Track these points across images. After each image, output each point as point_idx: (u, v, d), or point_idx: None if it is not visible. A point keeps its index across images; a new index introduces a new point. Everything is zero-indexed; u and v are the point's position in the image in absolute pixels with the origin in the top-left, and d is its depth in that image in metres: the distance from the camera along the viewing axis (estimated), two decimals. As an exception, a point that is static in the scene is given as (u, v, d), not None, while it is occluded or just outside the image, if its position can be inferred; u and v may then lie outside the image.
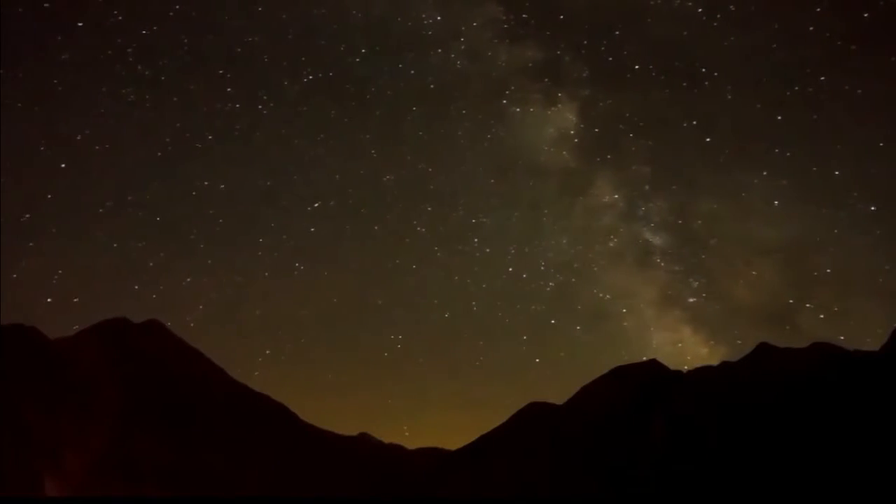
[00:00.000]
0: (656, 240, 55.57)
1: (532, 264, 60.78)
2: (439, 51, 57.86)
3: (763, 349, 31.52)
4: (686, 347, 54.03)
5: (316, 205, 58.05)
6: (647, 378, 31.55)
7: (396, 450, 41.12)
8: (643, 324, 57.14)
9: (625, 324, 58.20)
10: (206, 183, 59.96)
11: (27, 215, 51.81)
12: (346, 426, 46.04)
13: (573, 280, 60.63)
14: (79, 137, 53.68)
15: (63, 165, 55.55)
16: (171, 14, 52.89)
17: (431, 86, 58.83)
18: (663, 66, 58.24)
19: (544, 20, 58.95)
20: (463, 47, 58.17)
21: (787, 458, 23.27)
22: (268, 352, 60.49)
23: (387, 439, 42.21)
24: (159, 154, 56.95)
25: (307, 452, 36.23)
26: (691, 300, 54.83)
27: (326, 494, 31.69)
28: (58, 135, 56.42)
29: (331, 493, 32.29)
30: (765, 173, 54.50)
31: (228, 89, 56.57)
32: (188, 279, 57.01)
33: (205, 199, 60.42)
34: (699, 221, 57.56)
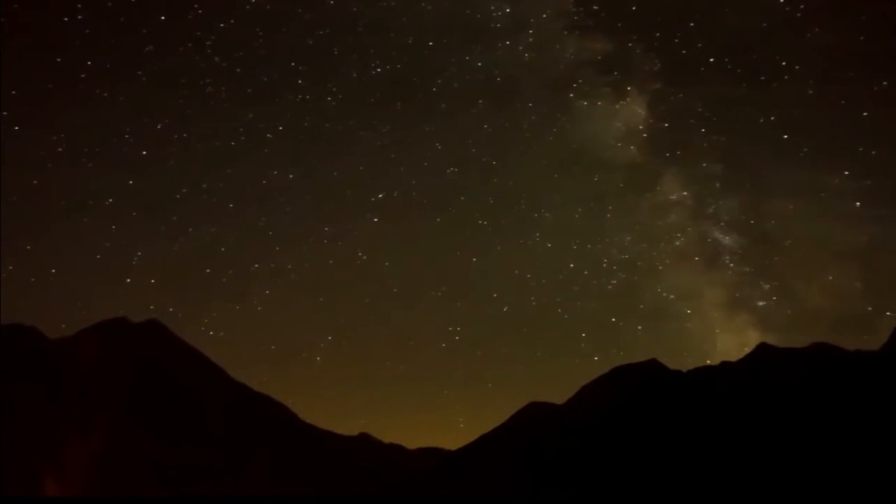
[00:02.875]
0: (726, 239, 53.89)
1: (594, 261, 60.34)
2: (507, 43, 57.83)
3: (763, 349, 31.52)
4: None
5: (380, 195, 58.96)
6: (648, 378, 31.54)
7: (396, 450, 41.13)
8: (708, 326, 55.68)
9: (688, 325, 56.23)
10: (275, 172, 62.09)
11: (110, 200, 56.29)
12: (347, 426, 46.22)
13: (636, 278, 59.81)
14: (159, 126, 56.85)
15: (144, 153, 58.01)
16: (247, 7, 54.97)
17: (498, 78, 59.06)
18: (740, 59, 56.86)
19: (615, 11, 58.23)
20: (531, 39, 57.79)
21: (786, 458, 23.28)
22: (330, 337, 63.48)
23: (387, 439, 42.27)
24: (233, 143, 59.29)
25: (307, 452, 36.24)
26: (761, 303, 52.77)
27: (326, 494, 31.65)
28: (141, 123, 59.51)
29: (331, 494, 32.25)
30: (846, 173, 52.01)
31: (299, 81, 58.81)
32: (256, 265, 60.58)
33: (274, 188, 62.23)
34: (772, 221, 55.44)
